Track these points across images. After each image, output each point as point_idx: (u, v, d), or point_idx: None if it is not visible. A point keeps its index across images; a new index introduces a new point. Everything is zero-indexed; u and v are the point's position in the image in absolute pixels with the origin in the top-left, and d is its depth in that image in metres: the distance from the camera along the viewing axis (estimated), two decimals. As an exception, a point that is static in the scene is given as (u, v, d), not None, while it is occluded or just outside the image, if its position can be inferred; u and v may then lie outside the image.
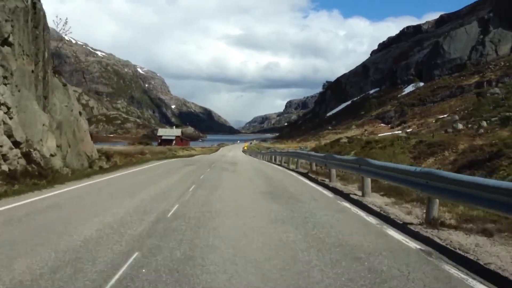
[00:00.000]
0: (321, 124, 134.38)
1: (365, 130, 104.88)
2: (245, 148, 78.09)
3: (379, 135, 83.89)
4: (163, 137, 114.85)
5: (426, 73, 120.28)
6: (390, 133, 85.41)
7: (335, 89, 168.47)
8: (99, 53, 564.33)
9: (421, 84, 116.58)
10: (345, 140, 70.84)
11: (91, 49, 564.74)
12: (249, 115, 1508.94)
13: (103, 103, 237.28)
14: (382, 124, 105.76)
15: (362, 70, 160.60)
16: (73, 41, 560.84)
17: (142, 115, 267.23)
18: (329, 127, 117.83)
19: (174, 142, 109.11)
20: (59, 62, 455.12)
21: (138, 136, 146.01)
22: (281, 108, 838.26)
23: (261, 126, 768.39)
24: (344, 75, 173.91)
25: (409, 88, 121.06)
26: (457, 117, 71.07)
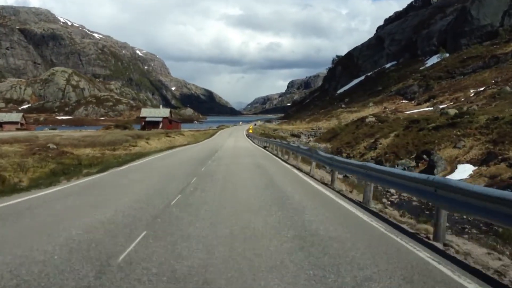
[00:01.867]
0: (331, 102, 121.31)
1: (385, 107, 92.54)
2: (250, 131, 65.10)
3: (406, 112, 71.03)
4: (147, 119, 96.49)
5: (451, 42, 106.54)
6: (417, 110, 72.74)
7: (346, 64, 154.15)
8: (96, 35, 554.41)
9: (447, 55, 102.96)
10: (372, 119, 57.95)
11: (87, 31, 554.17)
12: (250, 96, 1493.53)
13: (95, 84, 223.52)
14: (404, 101, 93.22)
15: (376, 42, 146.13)
16: (69, 23, 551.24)
17: (137, 96, 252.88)
18: (343, 105, 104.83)
19: (161, 124, 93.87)
20: (53, 44, 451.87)
21: (129, 120, 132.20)
22: (283, 89, 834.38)
23: (263, 107, 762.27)
24: (356, 48, 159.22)
25: (433, 60, 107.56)
26: (508, 88, 58.39)
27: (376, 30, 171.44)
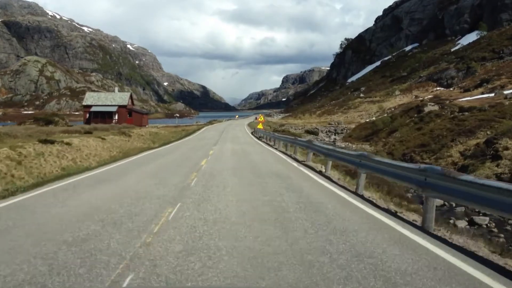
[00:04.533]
0: (344, 92, 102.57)
1: (416, 96, 74.50)
2: (260, 126, 38.95)
3: (458, 100, 52.12)
4: (93, 109, 68.03)
5: (489, 18, 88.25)
6: (472, 97, 54.10)
7: (357, 48, 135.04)
8: (85, 28, 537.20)
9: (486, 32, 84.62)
10: (434, 107, 39.01)
11: (77, 25, 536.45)
12: (245, 92, 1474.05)
13: (73, 75, 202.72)
14: (439, 88, 75.30)
15: (392, 23, 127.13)
16: (58, 17, 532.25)
17: (121, 89, 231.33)
18: (361, 95, 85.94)
19: (116, 117, 67.42)
20: (39, 37, 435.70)
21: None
22: (277, 84, 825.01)
23: (258, 103, 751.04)
24: (368, 30, 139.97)
25: (467, 39, 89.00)
26: None
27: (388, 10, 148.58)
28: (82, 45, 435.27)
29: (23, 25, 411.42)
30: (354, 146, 39.43)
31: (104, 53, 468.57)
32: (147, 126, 62.99)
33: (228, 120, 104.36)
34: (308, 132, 51.76)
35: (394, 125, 38.39)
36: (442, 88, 74.38)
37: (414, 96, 74.72)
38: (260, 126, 39.01)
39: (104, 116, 65.90)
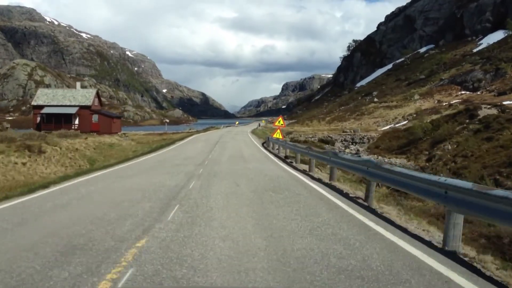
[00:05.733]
0: (353, 96, 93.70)
1: (438, 101, 66.36)
2: (278, 136, 26.01)
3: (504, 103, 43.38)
4: (44, 110, 53.48)
5: (515, 15, 79.88)
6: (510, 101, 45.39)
7: (367, 50, 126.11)
8: (84, 35, 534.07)
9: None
10: (492, 111, 30.31)
11: (75, 31, 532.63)
12: (245, 99, 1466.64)
13: (64, 79, 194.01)
14: (464, 92, 67.19)
15: (404, 23, 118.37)
16: (56, 23, 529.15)
17: (116, 94, 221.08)
18: (375, 100, 77.18)
19: (77, 122, 53.21)
20: (35, 43, 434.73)
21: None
22: (277, 92, 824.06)
23: (257, 110, 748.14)
24: (378, 31, 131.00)
25: (491, 39, 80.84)
26: None
27: (399, 10, 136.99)
28: (79, 50, 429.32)
29: (19, 30, 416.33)
30: (386, 159, 30.68)
31: (102, 59, 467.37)
32: (119, 133, 51.25)
33: (226, 127, 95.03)
34: (322, 141, 42.88)
35: (439, 133, 29.49)
36: (468, 92, 66.17)
37: (436, 101, 66.44)
38: (278, 136, 26.65)
39: (59, 120, 50.97)
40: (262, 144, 33.33)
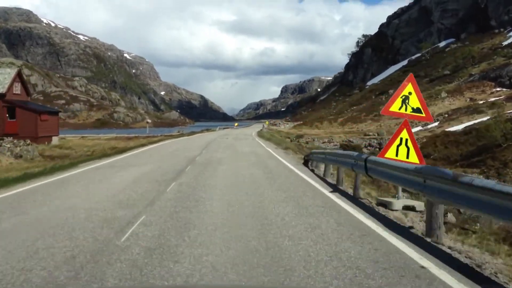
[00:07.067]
0: (365, 95, 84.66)
1: (470, 98, 57.66)
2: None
3: None
4: None
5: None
6: None
7: (378, 45, 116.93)
8: (81, 36, 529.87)
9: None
10: None
11: (72, 33, 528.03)
12: (244, 102, 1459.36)
13: (52, 79, 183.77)
14: (499, 88, 58.37)
15: (420, 16, 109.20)
16: (53, 24, 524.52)
17: (108, 95, 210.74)
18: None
19: None
20: (30, 44, 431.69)
21: (85, 122, 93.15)
22: (276, 95, 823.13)
23: (256, 113, 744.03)
24: (390, 24, 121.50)
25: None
26: None
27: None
28: (75, 52, 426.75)
29: (14, 32, 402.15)
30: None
31: (99, 61, 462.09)
32: (57, 135, 39.23)
33: (224, 129, 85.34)
34: (345, 146, 33.62)
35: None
36: (505, 89, 57.32)
37: (468, 99, 57.50)
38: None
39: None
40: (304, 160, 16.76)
